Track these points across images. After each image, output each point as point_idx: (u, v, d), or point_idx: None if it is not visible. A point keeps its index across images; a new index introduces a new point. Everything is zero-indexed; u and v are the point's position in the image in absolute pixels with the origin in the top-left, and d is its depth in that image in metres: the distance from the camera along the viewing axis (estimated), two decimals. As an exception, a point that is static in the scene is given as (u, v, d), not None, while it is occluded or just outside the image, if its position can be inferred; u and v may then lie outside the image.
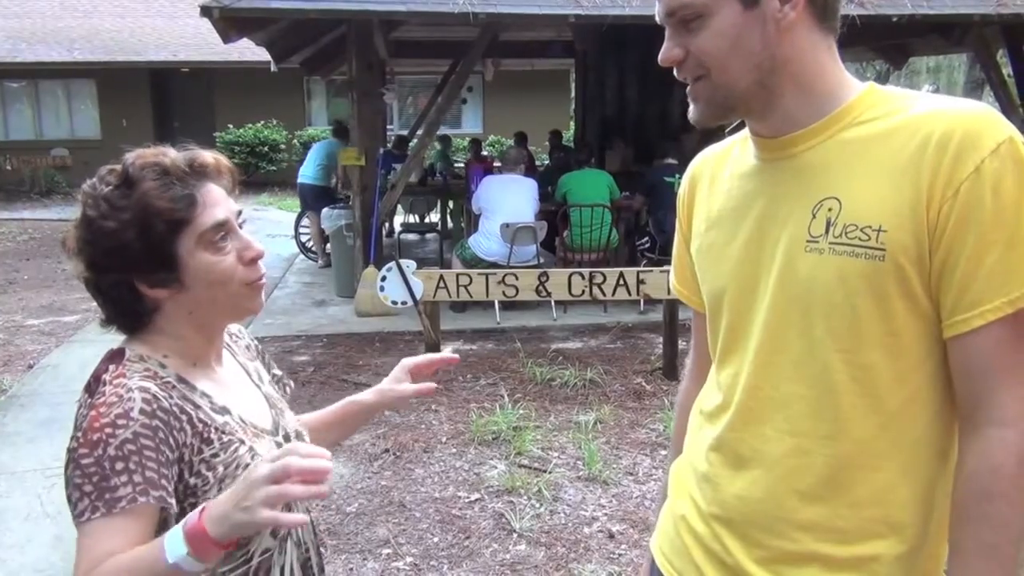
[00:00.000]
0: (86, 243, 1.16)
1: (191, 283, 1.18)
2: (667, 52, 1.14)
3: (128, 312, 1.20)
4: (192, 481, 1.14)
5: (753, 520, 1.19)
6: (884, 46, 10.75)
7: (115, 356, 1.19)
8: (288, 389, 1.47)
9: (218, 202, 1.19)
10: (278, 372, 1.48)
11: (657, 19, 1.16)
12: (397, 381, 1.50)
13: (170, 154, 1.19)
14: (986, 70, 8.51)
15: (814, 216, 1.11)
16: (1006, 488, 1.03)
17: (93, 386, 1.15)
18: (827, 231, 1.09)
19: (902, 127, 1.07)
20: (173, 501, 1.10)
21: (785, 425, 1.16)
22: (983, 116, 1.04)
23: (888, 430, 1.11)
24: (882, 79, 20.27)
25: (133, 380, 1.13)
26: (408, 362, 1.51)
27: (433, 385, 1.50)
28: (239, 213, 1.23)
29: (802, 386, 1.14)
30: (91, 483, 1.06)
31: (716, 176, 1.29)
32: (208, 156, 1.22)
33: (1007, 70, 8.66)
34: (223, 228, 1.19)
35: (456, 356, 1.53)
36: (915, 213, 1.04)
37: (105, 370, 1.16)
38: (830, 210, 1.09)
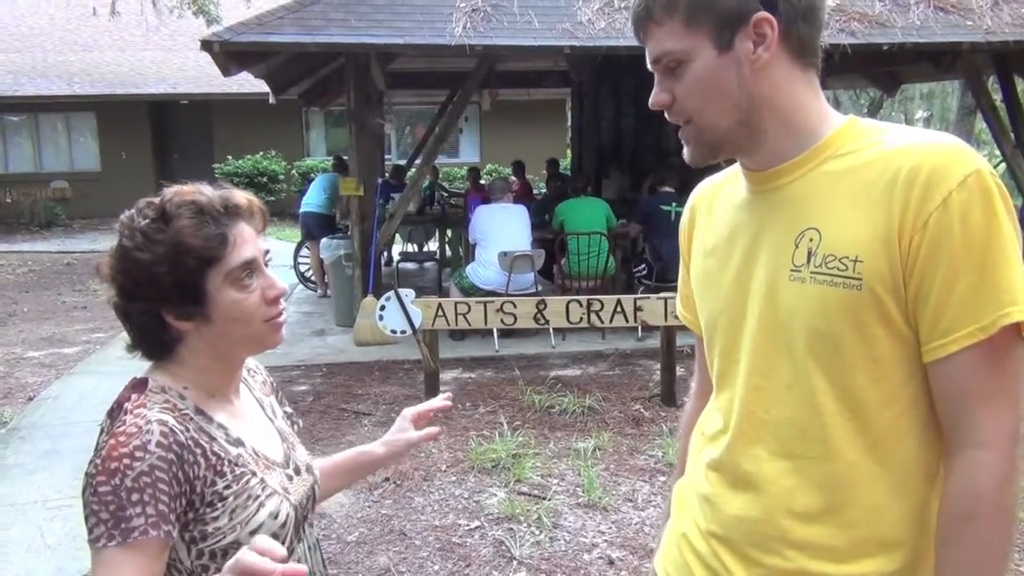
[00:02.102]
0: (119, 271, 1.21)
1: (216, 317, 1.22)
2: (656, 97, 1.20)
3: (153, 340, 1.24)
4: (203, 510, 1.18)
5: (750, 539, 1.22)
6: (876, 73, 10.87)
7: (138, 385, 1.23)
8: (296, 427, 1.52)
9: (247, 241, 1.24)
10: (289, 410, 1.53)
11: (648, 66, 1.21)
12: (402, 431, 1.61)
13: (206, 192, 1.24)
14: (976, 97, 8.59)
15: (797, 246, 1.15)
16: (987, 509, 1.05)
17: (115, 412, 1.19)
18: (808, 261, 1.13)
19: (875, 160, 1.11)
20: (175, 534, 1.14)
21: (778, 447, 1.19)
22: (951, 150, 1.07)
23: (876, 451, 1.14)
24: (876, 106, 20.43)
25: (153, 412, 1.17)
26: (409, 412, 1.63)
27: (437, 429, 1.65)
28: (266, 252, 1.29)
29: (791, 410, 1.17)
30: (107, 511, 1.09)
31: (713, 206, 1.34)
32: (241, 197, 1.27)
33: (998, 96, 8.74)
34: (250, 266, 1.24)
35: (449, 403, 1.66)
36: (888, 244, 1.07)
37: (128, 398, 1.20)
38: (811, 240, 1.13)
